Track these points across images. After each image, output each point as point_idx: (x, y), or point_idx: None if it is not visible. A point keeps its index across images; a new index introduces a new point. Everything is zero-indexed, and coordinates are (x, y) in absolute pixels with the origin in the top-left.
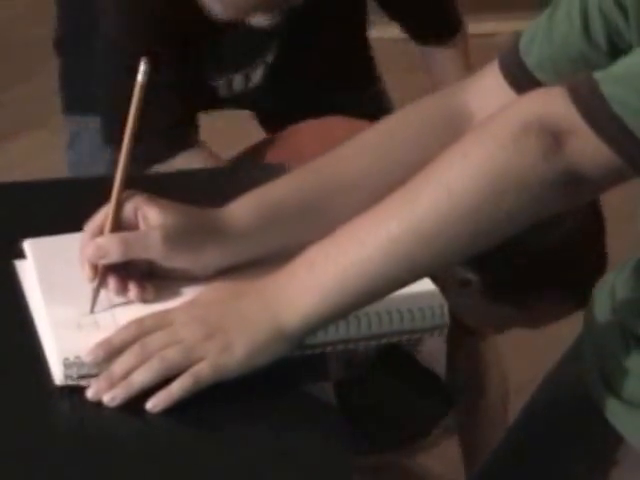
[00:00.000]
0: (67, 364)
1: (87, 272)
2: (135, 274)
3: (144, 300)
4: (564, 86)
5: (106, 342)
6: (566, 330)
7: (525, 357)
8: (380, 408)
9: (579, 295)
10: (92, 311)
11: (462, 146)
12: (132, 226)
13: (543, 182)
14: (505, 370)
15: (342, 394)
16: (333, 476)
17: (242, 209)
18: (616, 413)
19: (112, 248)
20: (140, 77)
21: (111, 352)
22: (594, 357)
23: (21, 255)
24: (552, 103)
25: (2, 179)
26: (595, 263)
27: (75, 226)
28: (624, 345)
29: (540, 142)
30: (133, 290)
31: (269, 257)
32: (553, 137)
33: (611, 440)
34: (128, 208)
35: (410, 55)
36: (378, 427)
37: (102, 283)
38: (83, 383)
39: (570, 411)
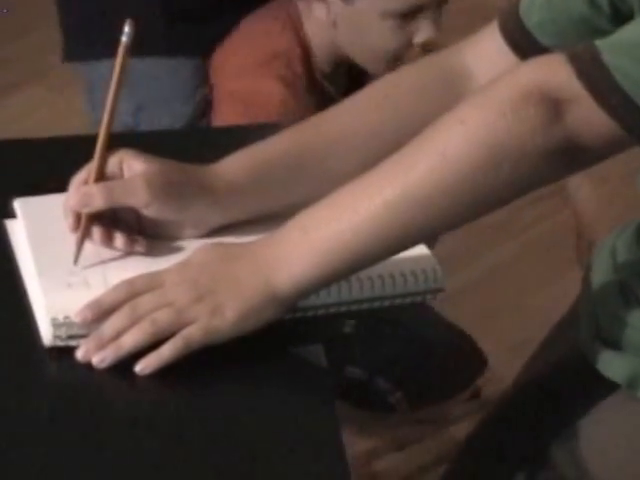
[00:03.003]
0: (56, 324)
1: (70, 222)
2: (123, 228)
3: (134, 251)
4: (565, 54)
5: (96, 303)
6: (560, 293)
7: (520, 317)
8: (420, 365)
9: None
10: (75, 263)
11: (460, 112)
12: (117, 179)
13: (542, 151)
14: None
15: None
16: (320, 431)
17: (234, 164)
18: (609, 362)
19: (95, 195)
20: (124, 38)
21: (101, 313)
22: (591, 316)
23: (12, 214)
24: (553, 72)
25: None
26: None
27: (68, 185)
28: (624, 302)
29: (540, 111)
30: (119, 239)
31: (261, 216)
32: (553, 106)
33: (603, 392)
34: (113, 161)
35: None
36: (415, 384)
37: (86, 233)
38: (72, 343)
39: (565, 376)
